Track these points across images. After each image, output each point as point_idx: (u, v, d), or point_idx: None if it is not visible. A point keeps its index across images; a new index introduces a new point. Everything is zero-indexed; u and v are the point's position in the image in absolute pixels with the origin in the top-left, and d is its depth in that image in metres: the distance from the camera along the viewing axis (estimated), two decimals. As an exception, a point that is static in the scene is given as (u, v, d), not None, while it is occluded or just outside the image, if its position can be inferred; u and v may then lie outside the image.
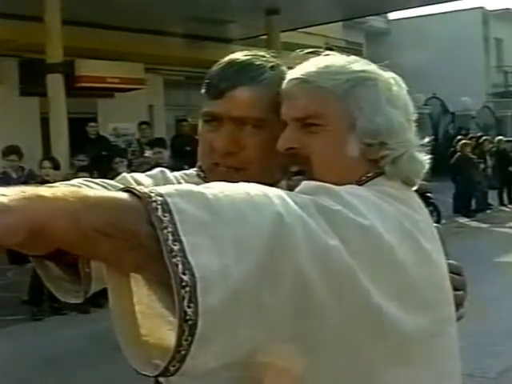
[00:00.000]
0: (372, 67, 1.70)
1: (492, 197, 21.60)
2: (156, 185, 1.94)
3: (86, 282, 1.62)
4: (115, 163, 11.73)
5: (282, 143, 1.69)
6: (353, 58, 1.73)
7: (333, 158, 1.63)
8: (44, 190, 1.17)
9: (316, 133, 1.64)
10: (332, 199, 1.42)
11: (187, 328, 1.15)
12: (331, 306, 1.31)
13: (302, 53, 1.77)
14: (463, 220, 18.65)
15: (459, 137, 22.22)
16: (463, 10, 38.46)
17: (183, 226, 1.18)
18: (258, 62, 1.91)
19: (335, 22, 21.14)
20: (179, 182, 2.04)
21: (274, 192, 1.35)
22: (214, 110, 1.88)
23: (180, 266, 1.15)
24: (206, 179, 1.99)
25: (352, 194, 1.48)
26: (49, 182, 10.12)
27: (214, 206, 1.24)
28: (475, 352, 6.77)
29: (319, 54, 1.75)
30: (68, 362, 7.64)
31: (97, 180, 1.97)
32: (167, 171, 2.10)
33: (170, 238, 1.16)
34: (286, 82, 1.73)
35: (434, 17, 36.66)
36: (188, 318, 1.15)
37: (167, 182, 2.02)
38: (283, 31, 17.54)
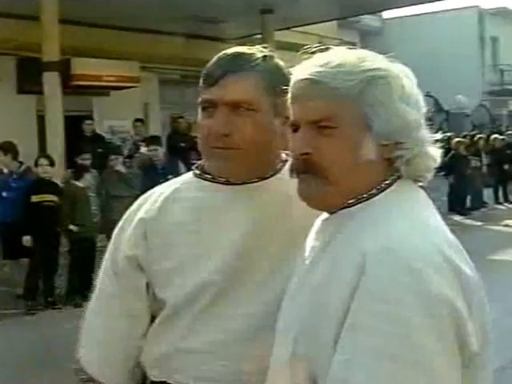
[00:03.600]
0: (383, 62, 1.67)
1: (487, 195, 21.62)
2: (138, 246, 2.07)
3: None
4: (111, 160, 11.74)
5: (297, 147, 1.67)
6: (363, 53, 1.71)
7: (348, 161, 1.61)
8: None
9: (330, 136, 1.61)
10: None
11: None
12: None
13: (309, 51, 1.74)
14: (458, 218, 18.63)
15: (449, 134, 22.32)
16: (459, 8, 38.58)
17: None
18: (249, 52, 2.02)
19: (329, 20, 21.12)
20: (155, 202, 2.10)
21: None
22: (209, 97, 1.97)
23: None
24: (201, 176, 2.09)
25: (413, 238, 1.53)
26: (45, 179, 10.19)
27: None
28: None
29: (325, 50, 1.72)
30: (62, 356, 7.63)
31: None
32: (144, 199, 2.17)
33: None
34: (294, 80, 1.70)
35: (429, 15, 36.72)
36: None
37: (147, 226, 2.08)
38: (277, 30, 17.57)
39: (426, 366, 1.41)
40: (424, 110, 1.69)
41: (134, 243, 2.09)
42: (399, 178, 1.65)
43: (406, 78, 1.67)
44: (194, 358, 1.98)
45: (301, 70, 1.68)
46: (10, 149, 10.99)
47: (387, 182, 1.64)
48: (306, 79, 1.64)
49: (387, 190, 1.63)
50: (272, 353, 1.76)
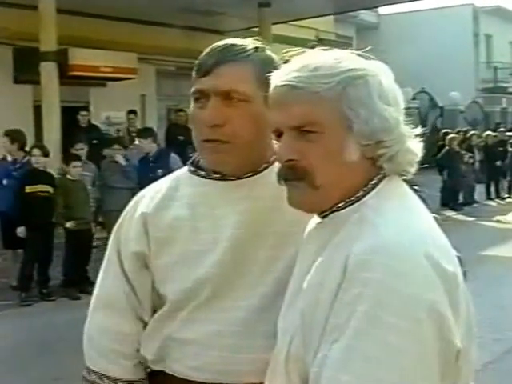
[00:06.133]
0: (359, 62, 1.67)
1: (479, 191, 21.68)
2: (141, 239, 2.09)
3: None
4: (112, 150, 11.73)
5: (282, 154, 1.67)
6: (338, 53, 1.69)
7: (332, 164, 1.62)
8: None
9: (313, 141, 1.62)
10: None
11: None
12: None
13: (290, 51, 1.74)
14: (450, 213, 18.62)
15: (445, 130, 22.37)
16: (454, 6, 38.58)
17: None
18: (241, 43, 2.02)
19: (327, 15, 21.13)
20: (153, 199, 2.12)
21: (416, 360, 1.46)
22: (200, 87, 1.98)
23: None
24: (195, 172, 2.10)
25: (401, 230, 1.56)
26: (39, 169, 10.13)
27: None
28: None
29: (302, 53, 1.70)
30: (56, 347, 7.65)
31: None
32: (142, 196, 2.19)
33: None
34: (273, 86, 1.69)
35: (425, 12, 36.69)
36: None
37: (146, 225, 2.10)
38: (274, 23, 17.59)
39: (399, 367, 1.44)
40: (402, 105, 1.70)
41: (137, 239, 2.09)
42: (384, 176, 1.67)
43: (383, 75, 1.68)
44: (191, 348, 2.00)
45: (279, 76, 1.68)
46: (18, 138, 10.88)
47: (373, 182, 1.65)
48: (285, 85, 1.64)
49: (374, 191, 1.65)
50: (273, 353, 1.80)
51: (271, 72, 1.75)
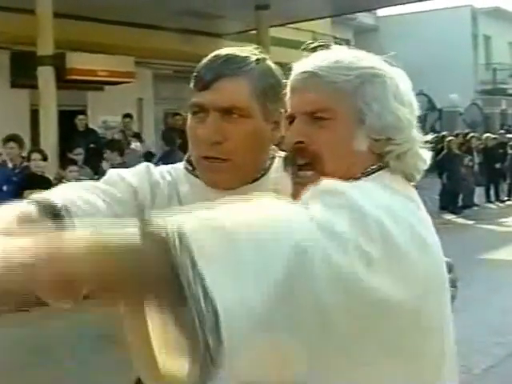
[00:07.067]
0: (380, 63, 1.71)
1: (479, 194, 21.64)
2: (141, 182, 1.98)
3: None
4: (108, 155, 11.73)
5: (291, 136, 1.69)
6: (361, 53, 1.74)
7: (340, 151, 1.64)
8: (69, 243, 1.19)
9: (324, 127, 1.65)
10: (342, 200, 1.43)
11: (209, 359, 1.17)
12: (351, 325, 1.35)
13: (310, 46, 1.76)
14: (450, 216, 18.63)
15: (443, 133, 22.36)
16: (452, 7, 38.61)
17: (202, 261, 1.18)
18: (242, 55, 1.96)
19: (325, 17, 21.14)
20: (164, 178, 2.05)
21: (290, 211, 1.37)
22: (199, 101, 1.92)
23: (202, 303, 1.16)
24: (193, 172, 2.04)
25: (361, 190, 1.50)
26: (38, 174, 10.13)
27: (232, 237, 1.23)
28: (460, 348, 6.78)
29: (328, 48, 1.75)
30: (54, 352, 7.61)
31: (97, 184, 1.95)
32: (152, 166, 2.10)
33: (190, 273, 1.16)
34: (294, 74, 1.72)
35: (423, 14, 36.69)
36: (210, 352, 1.17)
37: (151, 178, 2.02)
38: (272, 26, 17.57)
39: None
40: (417, 112, 1.73)
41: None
42: (385, 167, 1.67)
43: (401, 80, 1.72)
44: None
45: (300, 65, 1.71)
46: (23, 142, 10.89)
47: (373, 167, 1.66)
48: (305, 72, 1.68)
49: (372, 176, 1.64)
50: None
51: (272, 83, 1.79)
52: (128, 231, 1.21)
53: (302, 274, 1.27)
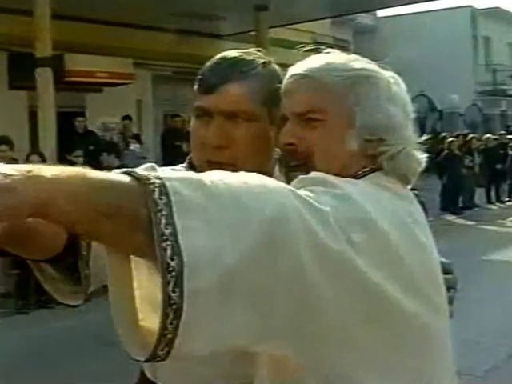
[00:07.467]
0: (372, 66, 1.72)
1: (479, 194, 21.68)
2: None
3: (85, 283, 1.61)
4: (105, 157, 11.71)
5: (283, 138, 1.70)
6: (353, 56, 1.74)
7: (332, 152, 1.64)
8: (48, 170, 1.17)
9: (316, 128, 1.65)
10: (328, 188, 1.44)
11: (171, 312, 1.15)
12: (330, 296, 1.33)
13: (303, 50, 1.78)
14: (450, 217, 18.71)
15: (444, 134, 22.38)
16: (452, 8, 38.62)
17: (178, 209, 1.18)
18: (249, 58, 1.94)
19: (324, 18, 21.12)
20: None
21: (272, 183, 1.37)
22: (204, 105, 1.89)
23: (169, 251, 1.15)
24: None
25: (349, 182, 1.52)
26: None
27: (212, 192, 1.24)
28: (462, 350, 6.79)
29: (320, 52, 1.75)
30: (54, 355, 7.62)
31: None
32: (156, 166, 2.05)
33: (163, 221, 1.16)
34: (287, 77, 1.73)
35: (423, 15, 36.71)
36: (172, 302, 1.15)
37: None
38: (272, 27, 17.55)
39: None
40: (412, 114, 1.72)
41: None
42: (380, 169, 1.66)
43: (395, 83, 1.72)
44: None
45: (294, 68, 1.73)
46: (11, 144, 10.87)
47: (366, 169, 1.65)
48: (297, 74, 1.69)
49: (365, 177, 1.63)
50: None
51: (277, 87, 1.76)
52: (112, 174, 1.25)
53: (282, 240, 1.26)
